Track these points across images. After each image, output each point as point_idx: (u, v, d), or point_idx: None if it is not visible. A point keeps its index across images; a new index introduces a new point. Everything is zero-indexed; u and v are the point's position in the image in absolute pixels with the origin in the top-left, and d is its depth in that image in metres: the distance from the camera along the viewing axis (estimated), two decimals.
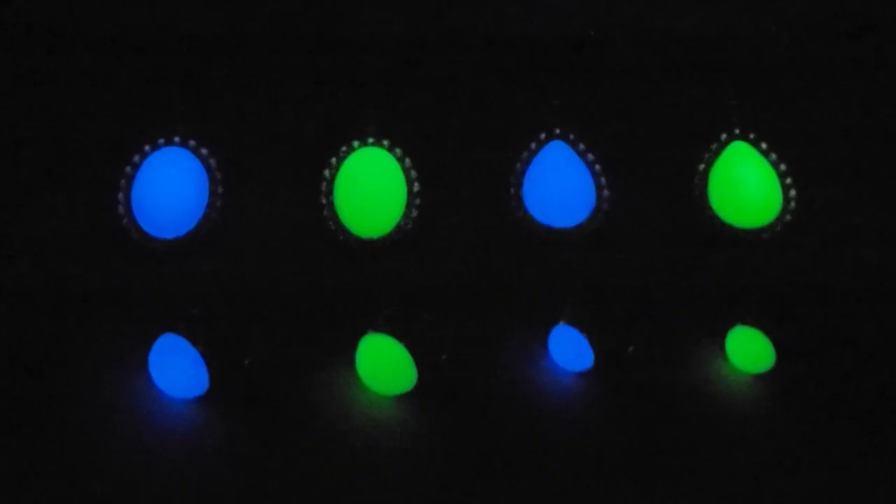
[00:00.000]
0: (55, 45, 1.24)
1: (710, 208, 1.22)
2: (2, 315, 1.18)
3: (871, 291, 1.20)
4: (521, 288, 1.20)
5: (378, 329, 1.15)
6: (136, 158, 1.20)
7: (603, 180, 1.21)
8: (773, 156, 1.22)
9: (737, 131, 1.23)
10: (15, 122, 1.23)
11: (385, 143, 1.22)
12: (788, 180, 1.21)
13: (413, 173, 1.21)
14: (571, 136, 1.23)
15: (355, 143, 1.22)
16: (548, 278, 1.20)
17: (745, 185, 1.21)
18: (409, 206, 1.20)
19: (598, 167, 1.22)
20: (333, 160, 1.21)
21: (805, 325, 1.19)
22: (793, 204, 1.20)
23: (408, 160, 1.21)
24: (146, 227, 1.18)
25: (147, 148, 1.20)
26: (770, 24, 1.22)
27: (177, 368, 1.13)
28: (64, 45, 1.24)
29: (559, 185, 1.21)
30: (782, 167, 1.21)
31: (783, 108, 1.25)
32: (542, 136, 1.23)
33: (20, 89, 1.23)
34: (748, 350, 1.17)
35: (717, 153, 1.22)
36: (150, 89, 1.23)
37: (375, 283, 1.20)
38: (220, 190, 1.20)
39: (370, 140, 1.22)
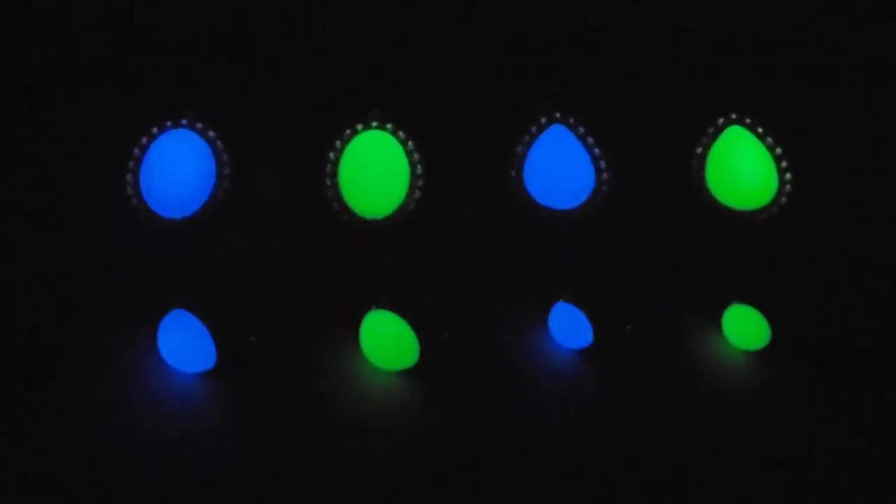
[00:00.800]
0: (65, 27, 1.26)
1: (707, 191, 1.24)
2: (13, 291, 1.20)
3: (864, 271, 1.22)
4: (522, 267, 1.22)
5: (381, 306, 1.17)
6: (145, 140, 1.22)
7: (602, 163, 1.24)
8: (769, 140, 1.24)
9: (733, 116, 1.25)
10: (25, 105, 1.25)
11: (388, 126, 1.24)
12: (783, 164, 1.23)
13: (415, 156, 1.23)
14: (571, 121, 1.25)
15: (359, 127, 1.24)
16: (548, 258, 1.22)
17: (742, 168, 1.23)
18: (411, 187, 1.22)
19: (597, 150, 1.24)
20: (338, 143, 1.24)
21: (799, 304, 1.21)
22: (788, 187, 1.22)
23: (410, 143, 1.24)
24: (154, 208, 1.20)
25: (155, 130, 1.22)
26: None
27: (185, 344, 1.15)
28: (74, 28, 1.25)
29: (559, 168, 1.23)
30: (778, 151, 1.23)
31: (779, 94, 1.27)
32: (543, 120, 1.25)
33: (29, 72, 1.25)
34: (744, 328, 1.19)
35: (714, 137, 1.25)
36: (158, 73, 1.25)
37: (378, 262, 1.22)
38: (226, 171, 1.22)
39: (374, 123, 1.24)
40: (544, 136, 1.25)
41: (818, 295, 1.22)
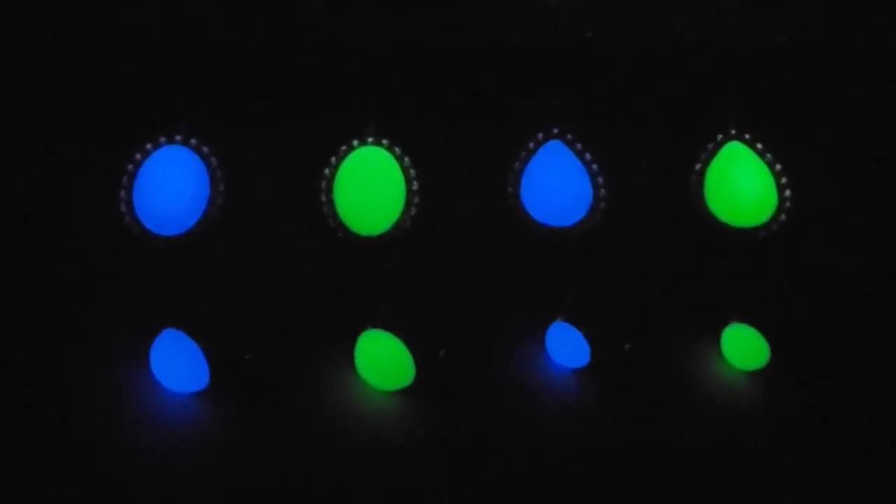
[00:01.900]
0: (59, 42, 1.25)
1: (706, 207, 1.23)
2: (4, 310, 1.19)
3: (864, 290, 1.21)
4: (519, 285, 1.21)
5: (377, 325, 1.16)
6: (139, 156, 1.21)
7: (600, 179, 1.23)
8: (769, 156, 1.23)
9: (733, 132, 1.24)
10: (18, 120, 1.24)
11: (384, 142, 1.23)
12: (783, 180, 1.22)
13: (412, 172, 1.22)
14: (569, 136, 1.24)
15: (355, 143, 1.23)
16: (545, 276, 1.21)
17: (741, 184, 1.22)
18: (407, 204, 1.21)
19: (595, 166, 1.23)
20: (333, 159, 1.23)
21: (799, 323, 1.20)
22: (788, 203, 1.22)
23: (407, 159, 1.23)
24: (148, 225, 1.19)
25: (149, 146, 1.21)
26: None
27: (178, 363, 1.14)
28: (68, 43, 1.25)
29: (557, 184, 1.23)
30: (777, 167, 1.23)
31: (778, 110, 1.26)
32: (540, 135, 1.24)
33: (23, 86, 1.24)
34: (743, 347, 1.18)
35: (713, 153, 1.24)
36: (153, 88, 1.24)
37: (374, 280, 1.21)
38: (221, 188, 1.21)
39: (369, 139, 1.23)
40: (542, 153, 1.24)
41: (818, 313, 1.21)
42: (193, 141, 1.22)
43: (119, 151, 1.21)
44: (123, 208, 1.19)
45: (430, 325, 1.19)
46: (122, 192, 1.20)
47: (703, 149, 1.24)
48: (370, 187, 1.22)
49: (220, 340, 1.16)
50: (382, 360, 1.16)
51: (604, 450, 1.15)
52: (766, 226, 1.21)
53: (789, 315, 1.20)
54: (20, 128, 1.24)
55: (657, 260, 1.22)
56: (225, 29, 1.26)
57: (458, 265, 1.22)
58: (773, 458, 1.15)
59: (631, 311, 1.20)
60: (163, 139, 1.21)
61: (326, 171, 1.23)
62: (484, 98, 1.26)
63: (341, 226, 1.21)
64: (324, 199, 1.22)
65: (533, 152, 1.24)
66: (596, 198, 1.22)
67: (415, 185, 1.22)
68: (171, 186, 1.20)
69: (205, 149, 1.22)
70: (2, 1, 1.26)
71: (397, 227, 1.21)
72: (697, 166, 1.24)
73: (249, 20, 1.27)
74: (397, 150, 1.23)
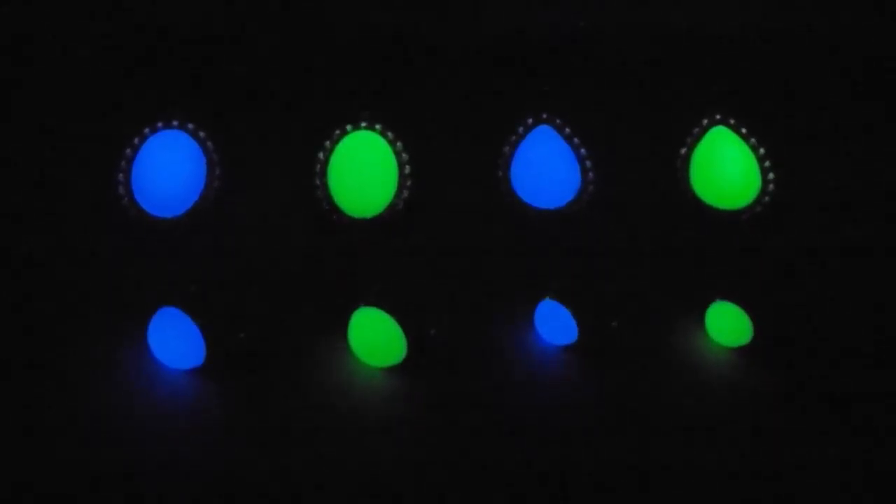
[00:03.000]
0: (58, 29, 1.27)
1: (691, 190, 1.25)
2: (3, 289, 1.21)
3: (846, 269, 1.24)
4: (509, 265, 1.24)
5: (369, 303, 1.18)
6: (136, 141, 1.23)
7: (588, 163, 1.25)
8: (753, 140, 1.26)
9: (718, 117, 1.27)
10: (17, 104, 1.26)
11: (377, 127, 1.26)
12: (767, 163, 1.25)
13: (404, 156, 1.25)
14: (558, 121, 1.27)
15: (348, 128, 1.26)
16: (534, 256, 1.24)
17: (726, 168, 1.25)
18: (399, 187, 1.24)
19: (583, 151, 1.26)
20: (327, 143, 1.25)
21: (781, 301, 1.22)
22: (771, 186, 1.24)
23: (399, 143, 1.25)
24: (146, 207, 1.21)
25: (146, 131, 1.24)
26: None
27: (174, 341, 1.16)
28: (66, 30, 1.27)
29: (546, 168, 1.25)
30: (761, 151, 1.25)
31: (762, 95, 1.29)
32: (530, 120, 1.27)
33: (22, 72, 1.27)
34: (726, 324, 1.21)
35: (698, 137, 1.26)
36: (150, 75, 1.27)
37: (367, 260, 1.23)
38: (217, 171, 1.24)
39: (363, 124, 1.26)
40: (531, 137, 1.27)
41: (800, 292, 1.23)
42: (191, 126, 1.24)
43: (118, 136, 1.23)
44: (122, 191, 1.22)
45: (422, 304, 1.21)
46: (121, 176, 1.22)
47: (689, 133, 1.27)
48: (363, 171, 1.24)
49: (216, 319, 1.18)
50: (375, 337, 1.19)
51: (591, 424, 1.18)
52: (749, 208, 1.24)
53: (771, 293, 1.23)
54: (19, 114, 1.26)
55: (643, 240, 1.25)
56: (221, 16, 1.29)
57: (448, 246, 1.25)
58: (756, 433, 1.18)
59: (618, 289, 1.23)
60: (160, 124, 1.24)
61: (321, 154, 1.25)
62: (475, 84, 1.29)
63: (335, 208, 1.24)
64: (318, 182, 1.24)
65: (522, 137, 1.27)
66: (584, 181, 1.25)
67: (407, 169, 1.24)
68: (169, 170, 1.22)
69: (201, 133, 1.24)
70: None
71: (390, 209, 1.24)
72: (683, 150, 1.26)
73: (246, 7, 1.29)
74: (390, 134, 1.26)
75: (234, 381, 1.18)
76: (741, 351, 1.21)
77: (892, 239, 1.24)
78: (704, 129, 1.27)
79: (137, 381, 1.18)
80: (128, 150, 1.23)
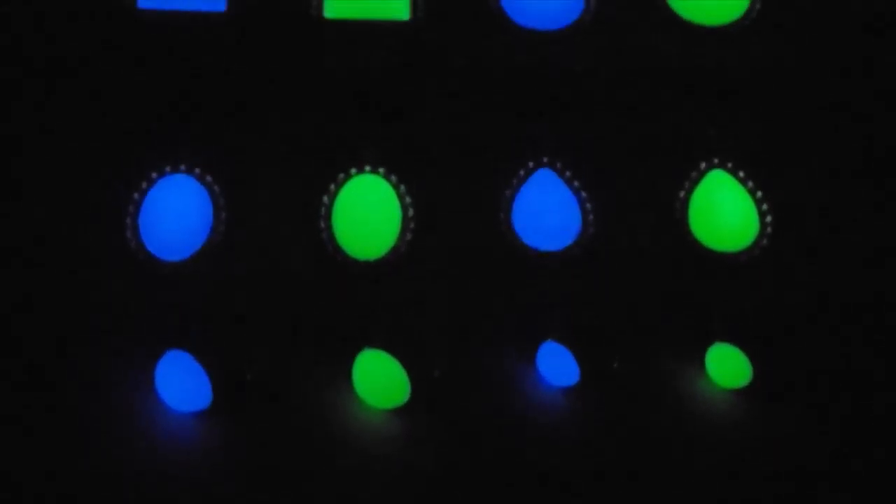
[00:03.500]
0: (65, 71, 1.29)
1: (690, 233, 1.27)
2: (12, 331, 1.22)
3: (843, 311, 1.25)
4: (511, 307, 1.25)
5: (373, 345, 1.20)
6: (144, 185, 1.25)
7: (588, 206, 1.27)
8: (750, 183, 1.28)
9: (715, 160, 1.29)
10: (27, 149, 1.28)
11: (381, 170, 1.28)
12: (764, 206, 1.27)
13: (407, 199, 1.27)
14: (558, 165, 1.29)
15: (353, 171, 1.28)
16: (536, 298, 1.25)
17: (724, 211, 1.27)
18: (403, 229, 1.26)
19: (583, 194, 1.28)
20: (332, 186, 1.27)
21: (779, 343, 1.24)
22: (769, 229, 1.26)
23: (403, 187, 1.27)
24: (153, 250, 1.23)
25: (154, 175, 1.26)
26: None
27: (181, 383, 1.18)
28: (73, 73, 1.29)
29: (547, 211, 1.27)
30: (759, 194, 1.27)
31: (760, 139, 1.31)
32: (531, 164, 1.29)
33: (31, 116, 1.29)
34: (726, 366, 1.22)
35: (696, 181, 1.29)
36: (157, 118, 1.29)
37: (371, 302, 1.25)
38: (223, 215, 1.25)
39: (367, 167, 1.28)
40: (533, 180, 1.29)
41: (798, 333, 1.25)
42: (197, 170, 1.26)
43: (125, 180, 1.25)
44: (129, 235, 1.24)
45: (425, 346, 1.23)
46: (129, 219, 1.24)
47: (688, 177, 1.29)
48: (367, 213, 1.27)
49: (223, 361, 1.19)
50: (379, 379, 1.20)
51: (593, 465, 1.19)
52: (747, 250, 1.26)
53: (770, 335, 1.24)
54: (28, 157, 1.28)
55: (644, 282, 1.26)
56: (226, 60, 1.31)
57: (452, 288, 1.26)
58: (757, 474, 1.19)
59: (619, 331, 1.24)
60: (167, 168, 1.26)
61: (325, 198, 1.27)
62: (476, 127, 1.31)
63: (339, 250, 1.25)
64: (323, 224, 1.26)
65: (524, 180, 1.29)
66: (584, 223, 1.27)
67: (410, 212, 1.26)
68: (176, 213, 1.24)
69: (208, 177, 1.26)
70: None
71: (393, 251, 1.25)
72: (682, 193, 1.28)
73: (250, 51, 1.32)
74: (394, 178, 1.28)
75: (240, 422, 1.19)
76: (741, 392, 1.22)
77: (890, 281, 1.26)
78: (703, 173, 1.29)
79: (144, 424, 1.19)
80: (135, 195, 1.25)
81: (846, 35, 1.35)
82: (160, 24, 1.32)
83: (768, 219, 1.26)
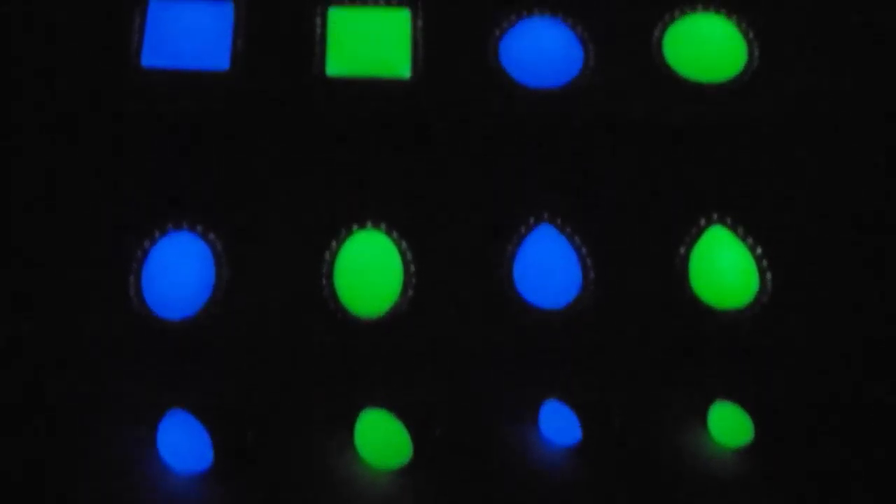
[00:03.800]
0: (68, 129, 1.31)
1: (690, 290, 1.28)
2: (14, 388, 1.22)
3: (845, 369, 1.25)
4: (512, 365, 1.25)
5: (375, 404, 1.20)
6: (146, 242, 1.26)
7: (589, 262, 1.28)
8: (750, 240, 1.29)
9: (715, 216, 1.30)
10: (31, 205, 1.29)
11: (382, 226, 1.29)
12: (764, 263, 1.27)
13: (409, 255, 1.28)
14: (559, 221, 1.30)
15: (354, 227, 1.28)
16: (537, 356, 1.25)
17: (724, 267, 1.28)
18: (405, 286, 1.26)
19: (584, 250, 1.29)
20: (333, 243, 1.28)
21: (781, 401, 1.24)
22: (769, 286, 1.27)
23: (404, 243, 1.28)
24: (155, 309, 1.23)
25: (156, 232, 1.26)
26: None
27: (183, 443, 1.17)
28: (76, 130, 1.30)
29: (548, 267, 1.28)
30: (759, 251, 1.28)
31: (759, 195, 1.32)
32: (531, 220, 1.30)
33: (33, 173, 1.29)
34: (728, 424, 1.22)
35: (696, 237, 1.29)
36: (159, 175, 1.30)
37: (373, 359, 1.25)
38: (225, 272, 1.26)
39: (368, 223, 1.29)
40: (533, 236, 1.30)
41: (801, 392, 1.25)
42: (199, 227, 1.27)
43: (128, 238, 1.26)
44: (132, 292, 1.24)
45: (427, 404, 1.23)
46: (131, 277, 1.25)
47: (687, 233, 1.30)
48: (369, 270, 1.27)
49: (224, 420, 1.19)
50: (380, 438, 1.20)
51: None
52: (748, 308, 1.26)
53: (772, 393, 1.24)
54: (31, 214, 1.29)
55: (645, 340, 1.27)
56: (228, 118, 1.32)
57: (453, 346, 1.26)
58: None
59: (620, 389, 1.24)
60: (169, 225, 1.27)
61: (327, 254, 1.28)
62: (477, 184, 1.32)
63: (341, 307, 1.26)
64: (324, 281, 1.27)
65: (524, 236, 1.29)
66: (585, 280, 1.27)
67: (412, 269, 1.27)
68: (178, 271, 1.25)
69: (210, 235, 1.27)
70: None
71: (395, 308, 1.26)
72: (682, 250, 1.29)
73: (251, 110, 1.33)
74: (395, 234, 1.28)
75: (242, 482, 1.19)
76: (743, 451, 1.22)
77: (891, 336, 1.26)
78: (702, 229, 1.29)
79: (144, 485, 1.18)
80: (138, 252, 1.26)
81: (844, 91, 1.36)
82: (164, 82, 1.34)
83: (768, 276, 1.27)
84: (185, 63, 1.35)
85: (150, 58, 1.35)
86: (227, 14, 1.38)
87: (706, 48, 1.39)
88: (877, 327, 1.27)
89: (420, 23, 1.39)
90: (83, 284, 1.26)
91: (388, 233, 1.28)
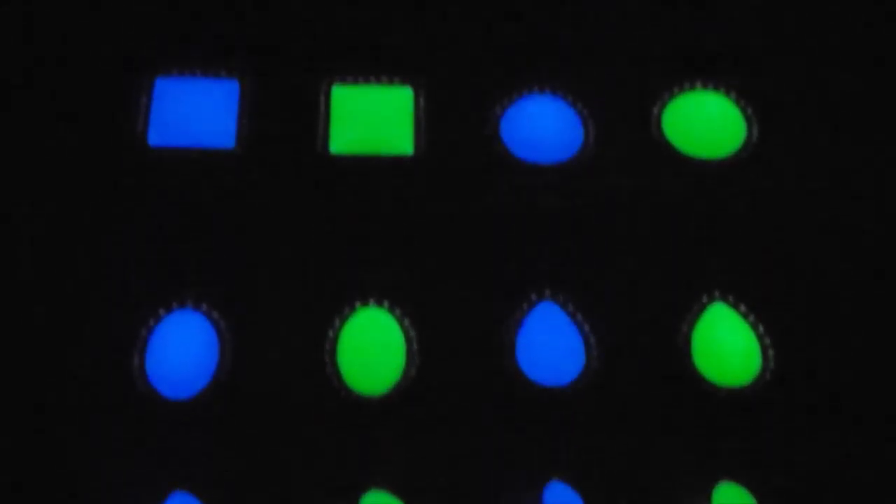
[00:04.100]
0: (75, 206, 1.32)
1: (693, 367, 1.28)
2: (19, 469, 1.22)
3: (849, 451, 1.25)
4: (516, 444, 1.25)
5: (378, 484, 1.19)
6: (151, 321, 1.27)
7: (591, 340, 1.28)
8: (752, 317, 1.29)
9: (717, 293, 1.30)
10: (35, 284, 1.29)
11: (385, 303, 1.29)
12: (767, 340, 1.28)
13: (411, 333, 1.28)
14: (561, 298, 1.30)
15: (357, 304, 1.29)
16: (540, 434, 1.25)
17: (726, 345, 1.28)
18: (408, 364, 1.27)
19: (586, 327, 1.29)
20: (337, 320, 1.28)
21: (785, 481, 1.23)
22: (772, 363, 1.27)
23: (407, 320, 1.28)
24: (159, 388, 1.24)
25: (161, 311, 1.27)
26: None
27: None
28: (83, 208, 1.32)
29: (550, 345, 1.28)
30: (760, 328, 1.28)
31: (761, 272, 1.32)
32: (534, 297, 1.30)
33: (40, 252, 1.30)
34: None
35: (698, 314, 1.30)
36: (165, 254, 1.31)
37: (376, 438, 1.24)
38: (229, 350, 1.26)
39: (371, 301, 1.29)
40: (535, 313, 1.30)
41: (804, 472, 1.24)
42: (203, 305, 1.28)
43: (132, 316, 1.27)
44: (136, 372, 1.24)
45: (430, 483, 1.22)
46: (135, 356, 1.25)
47: (689, 310, 1.30)
48: (372, 347, 1.27)
49: (227, 499, 1.18)
50: None
51: None
52: (751, 385, 1.26)
53: (775, 472, 1.24)
54: (36, 292, 1.29)
55: (648, 419, 1.26)
56: (230, 199, 1.34)
57: (455, 424, 1.26)
58: None
59: (624, 469, 1.24)
60: (174, 304, 1.28)
61: (330, 332, 1.28)
62: (479, 261, 1.32)
63: (344, 386, 1.26)
64: (327, 359, 1.27)
65: (526, 314, 1.30)
66: (588, 358, 1.27)
67: (414, 346, 1.27)
68: (182, 350, 1.25)
69: (214, 313, 1.28)
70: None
71: (398, 386, 1.26)
72: (684, 327, 1.29)
73: (253, 188, 1.35)
74: (397, 311, 1.29)
75: None
76: None
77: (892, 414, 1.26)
78: (704, 306, 1.30)
79: None
80: (142, 331, 1.26)
81: (844, 167, 1.38)
82: (170, 161, 1.36)
83: (770, 353, 1.27)
84: (191, 141, 1.37)
85: (157, 137, 1.37)
86: (232, 92, 1.40)
87: (705, 124, 1.41)
88: (880, 405, 1.26)
89: (422, 100, 1.41)
90: (87, 362, 1.26)
91: (391, 310, 1.29)
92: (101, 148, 1.36)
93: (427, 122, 1.39)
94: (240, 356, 1.27)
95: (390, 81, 1.42)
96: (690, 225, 1.34)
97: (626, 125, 1.40)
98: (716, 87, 1.43)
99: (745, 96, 1.42)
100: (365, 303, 1.29)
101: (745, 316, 1.29)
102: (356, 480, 1.21)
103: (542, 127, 1.40)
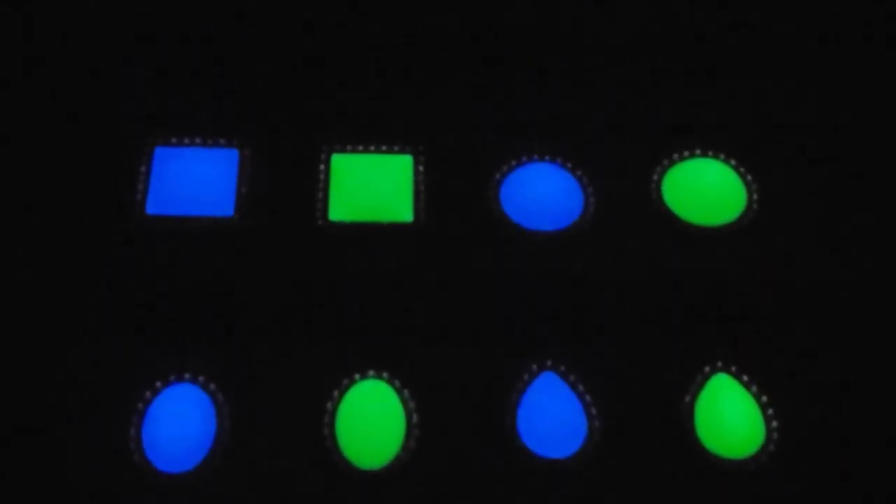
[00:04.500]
0: (70, 276, 1.31)
1: (696, 439, 1.26)
2: None
3: None
4: None
5: None
6: (148, 395, 1.25)
7: (593, 411, 1.27)
8: (755, 388, 1.28)
9: (719, 364, 1.30)
10: (31, 353, 1.28)
11: (384, 375, 1.28)
12: (770, 411, 1.27)
13: (411, 404, 1.27)
14: (562, 368, 1.29)
15: (356, 377, 1.28)
16: None
17: (729, 416, 1.27)
18: (408, 436, 1.25)
19: (588, 398, 1.28)
20: (335, 393, 1.27)
21: None
22: (775, 435, 1.26)
23: (406, 392, 1.27)
24: (156, 462, 1.22)
25: (158, 384, 1.26)
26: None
27: None
28: (79, 278, 1.31)
29: (551, 416, 1.27)
30: (763, 399, 1.27)
31: (764, 342, 1.31)
32: (535, 367, 1.29)
33: (36, 324, 1.29)
34: None
35: (701, 385, 1.29)
36: (162, 325, 1.30)
37: None
38: (227, 424, 1.25)
39: (370, 373, 1.28)
40: (536, 384, 1.29)
41: None
42: (201, 378, 1.27)
43: (129, 389, 1.25)
44: (133, 446, 1.23)
45: None
46: (132, 430, 1.24)
47: (692, 381, 1.29)
48: (371, 420, 1.26)
49: None
50: None
51: None
52: (754, 457, 1.25)
53: None
54: (33, 362, 1.28)
55: (651, 492, 1.25)
56: (228, 270, 1.33)
57: (456, 497, 1.24)
58: None
59: None
60: (172, 377, 1.26)
61: (329, 404, 1.27)
62: (480, 332, 1.32)
63: (343, 459, 1.24)
64: (326, 432, 1.26)
65: (527, 385, 1.29)
66: (590, 429, 1.26)
67: (414, 418, 1.26)
68: (179, 423, 1.24)
69: (212, 386, 1.26)
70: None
71: (398, 459, 1.24)
72: (686, 398, 1.28)
73: (255, 255, 1.34)
74: (397, 383, 1.28)
75: None
76: None
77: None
78: (706, 377, 1.29)
79: None
80: (139, 404, 1.25)
81: (844, 233, 1.37)
82: (168, 229, 1.35)
83: (774, 424, 1.26)
84: (189, 210, 1.37)
85: (155, 205, 1.37)
86: (231, 160, 1.40)
87: (705, 192, 1.41)
88: (886, 475, 1.25)
89: (422, 168, 1.41)
90: (83, 436, 1.25)
91: (391, 382, 1.28)
92: (99, 216, 1.35)
93: (426, 190, 1.39)
94: (237, 429, 1.25)
95: (390, 150, 1.42)
96: (691, 293, 1.34)
97: (625, 192, 1.40)
98: (715, 155, 1.43)
99: (745, 163, 1.42)
100: (364, 375, 1.28)
101: (747, 387, 1.28)
102: None
103: (542, 194, 1.40)
